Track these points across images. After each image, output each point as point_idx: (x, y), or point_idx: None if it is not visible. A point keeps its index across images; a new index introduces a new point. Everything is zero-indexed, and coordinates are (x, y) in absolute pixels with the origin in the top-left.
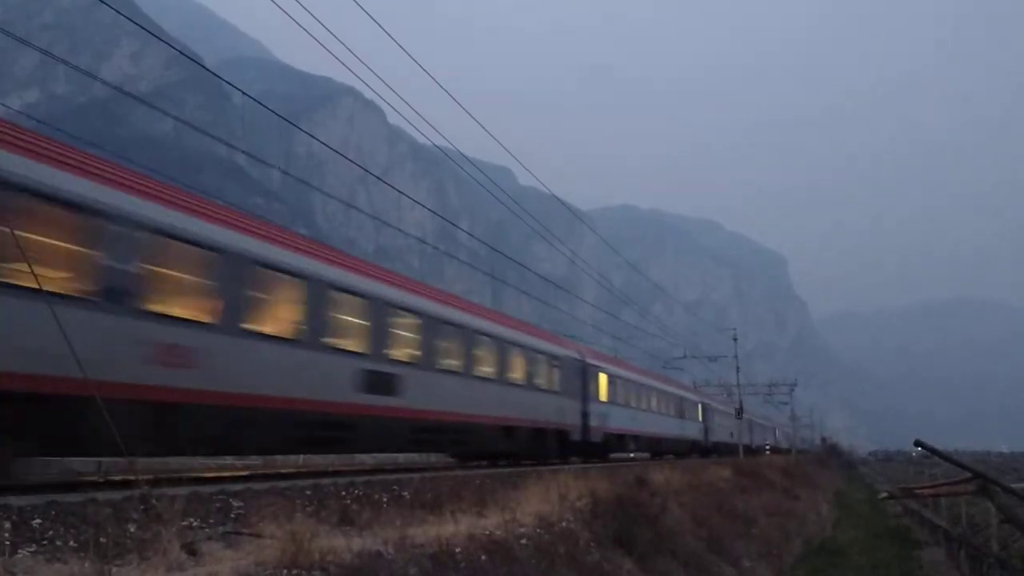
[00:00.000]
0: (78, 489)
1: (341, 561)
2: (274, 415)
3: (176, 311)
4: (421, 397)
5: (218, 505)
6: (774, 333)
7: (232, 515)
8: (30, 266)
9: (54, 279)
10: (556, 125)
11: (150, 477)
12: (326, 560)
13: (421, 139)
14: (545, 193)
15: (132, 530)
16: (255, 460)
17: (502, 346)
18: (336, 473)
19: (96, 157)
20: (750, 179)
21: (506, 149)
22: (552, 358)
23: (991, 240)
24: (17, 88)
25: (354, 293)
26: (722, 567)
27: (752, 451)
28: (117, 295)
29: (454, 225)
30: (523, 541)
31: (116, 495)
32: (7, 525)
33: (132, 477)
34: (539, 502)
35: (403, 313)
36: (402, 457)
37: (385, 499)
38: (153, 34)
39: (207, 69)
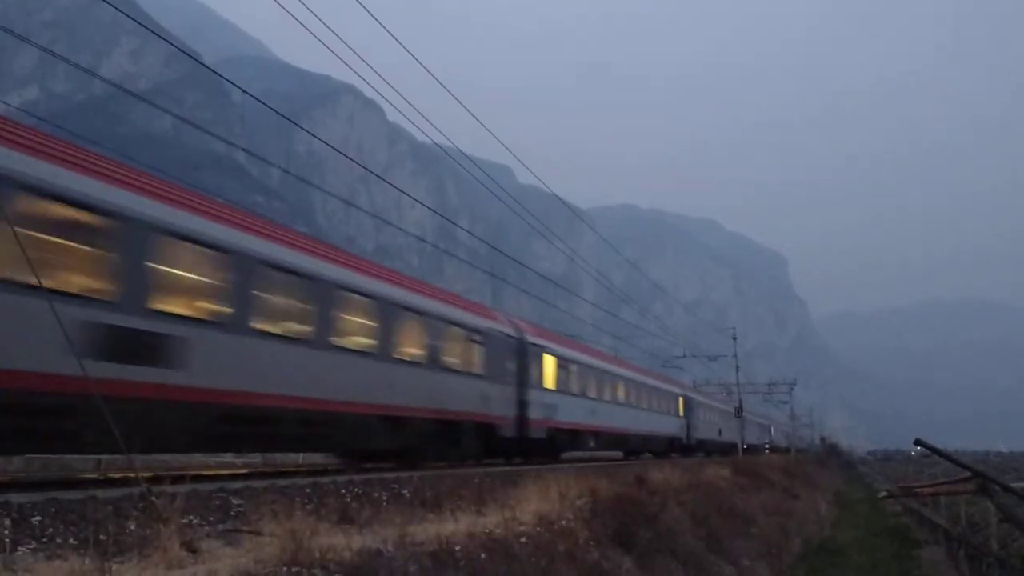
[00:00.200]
0: (78, 487)
1: (341, 559)
2: None
3: None
4: (226, 372)
5: (218, 503)
6: (774, 333)
7: (232, 513)
8: None
9: None
10: (556, 123)
11: (150, 475)
12: (326, 558)
13: (421, 137)
14: (545, 192)
15: (132, 528)
16: (255, 458)
17: (385, 310)
18: (336, 471)
19: None
20: (750, 178)
21: (506, 147)
22: (471, 331)
23: (991, 240)
24: (17, 86)
25: (76, 200)
26: (721, 566)
27: (746, 450)
28: None
29: (454, 223)
30: (523, 539)
31: (116, 492)
32: (7, 522)
33: (132, 475)
34: (539, 500)
35: (184, 244)
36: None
37: (385, 497)
38: (153, 31)
39: (207, 67)
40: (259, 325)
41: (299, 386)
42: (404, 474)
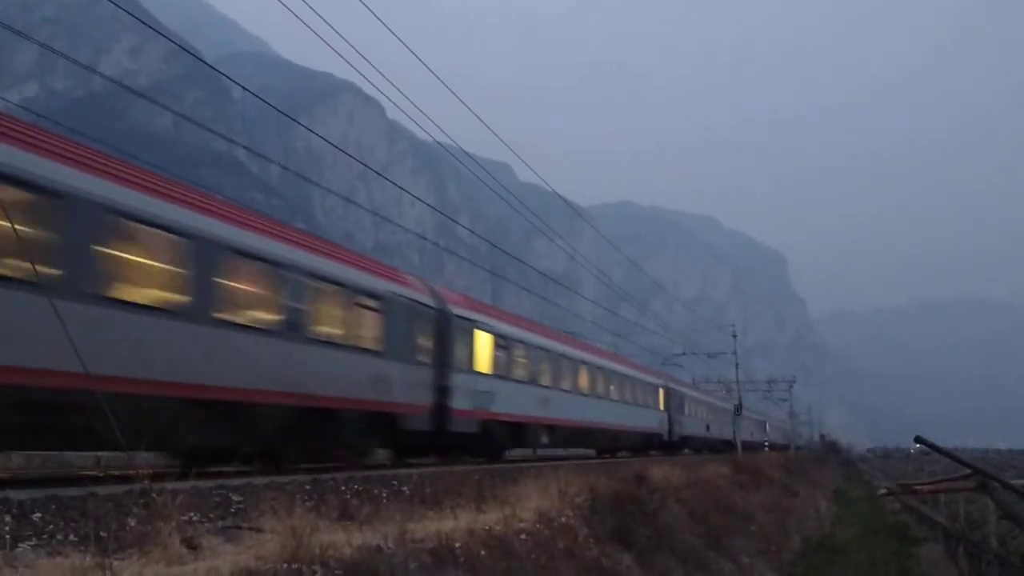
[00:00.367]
0: (78, 483)
1: (341, 556)
2: None
3: None
4: None
5: (218, 499)
6: (773, 330)
7: (232, 510)
8: None
9: None
10: (556, 121)
11: (150, 471)
12: (326, 555)
13: (421, 135)
14: (545, 189)
15: (132, 524)
16: None
17: (206, 253)
18: (336, 468)
19: None
20: (750, 176)
21: (506, 144)
22: (361, 295)
23: (990, 239)
24: (16, 82)
25: None
26: (721, 563)
27: (735, 446)
28: None
29: (454, 221)
30: (522, 536)
31: (116, 489)
32: (7, 519)
33: (132, 471)
34: (539, 498)
35: None
36: None
37: (385, 494)
38: (153, 28)
39: (207, 64)
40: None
41: (49, 357)
42: (404, 471)
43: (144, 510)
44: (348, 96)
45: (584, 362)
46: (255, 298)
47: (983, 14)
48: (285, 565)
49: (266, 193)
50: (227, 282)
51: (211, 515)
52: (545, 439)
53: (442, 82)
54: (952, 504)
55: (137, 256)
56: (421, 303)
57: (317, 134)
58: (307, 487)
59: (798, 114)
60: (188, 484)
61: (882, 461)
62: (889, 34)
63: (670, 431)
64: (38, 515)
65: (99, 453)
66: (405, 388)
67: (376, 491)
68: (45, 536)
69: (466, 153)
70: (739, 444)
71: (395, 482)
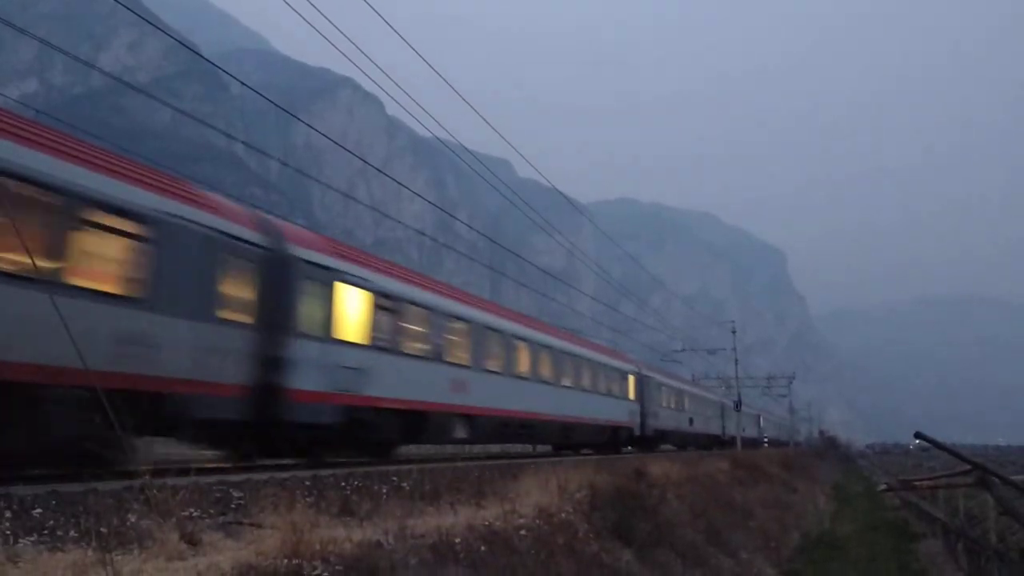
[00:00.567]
0: (79, 479)
1: (342, 551)
2: None
3: None
4: None
5: (218, 495)
6: (772, 328)
7: (232, 505)
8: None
9: None
10: (556, 118)
11: (151, 467)
12: (327, 550)
13: (420, 131)
14: (544, 186)
15: (133, 520)
16: None
17: None
18: (335, 464)
19: None
20: (749, 173)
21: (505, 140)
22: (109, 211)
23: (989, 236)
24: (15, 78)
25: None
26: (720, 559)
27: (729, 442)
28: None
29: (453, 217)
30: (522, 532)
31: (117, 485)
32: (8, 514)
33: (133, 467)
34: (538, 493)
35: None
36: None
37: (385, 490)
38: (152, 24)
39: (206, 59)
40: None
41: None
42: (404, 467)
43: (145, 506)
44: (347, 92)
45: (522, 338)
46: None
47: (983, 18)
48: (286, 560)
49: (265, 189)
50: None
51: (211, 511)
52: (462, 432)
53: (441, 77)
54: (951, 500)
55: None
56: (229, 235)
57: (316, 130)
58: (307, 483)
59: (798, 112)
60: (188, 480)
61: (881, 457)
62: (891, 33)
63: (643, 424)
64: (39, 510)
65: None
66: (198, 358)
67: (376, 487)
68: (46, 531)
69: (466, 149)
70: (739, 440)
71: (395, 478)
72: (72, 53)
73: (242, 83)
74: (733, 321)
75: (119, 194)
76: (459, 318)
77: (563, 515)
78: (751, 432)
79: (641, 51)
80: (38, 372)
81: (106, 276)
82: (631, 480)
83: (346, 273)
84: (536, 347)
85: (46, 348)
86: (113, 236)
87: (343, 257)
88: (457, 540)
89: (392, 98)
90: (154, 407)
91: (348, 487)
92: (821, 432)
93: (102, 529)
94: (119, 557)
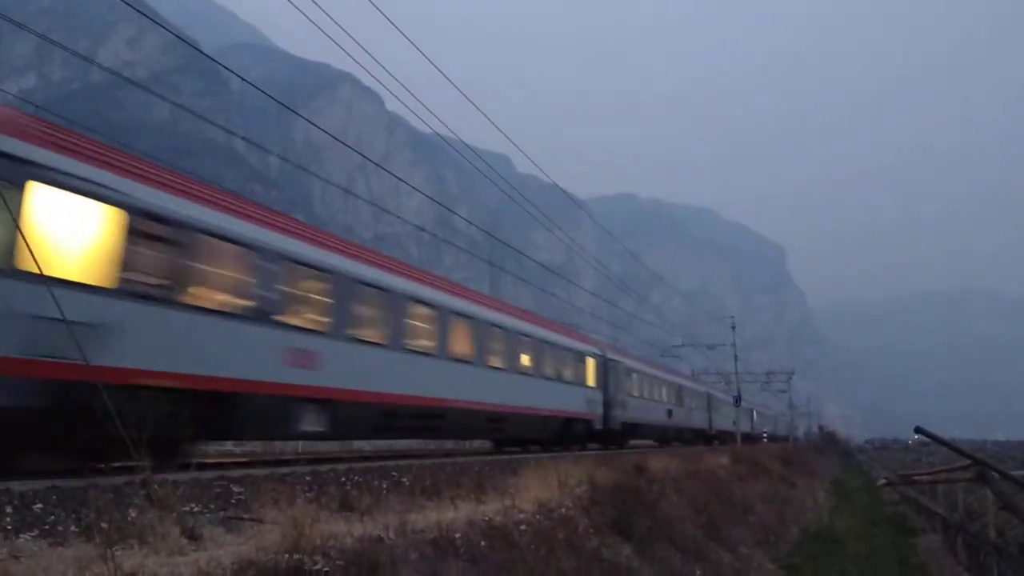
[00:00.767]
0: (79, 474)
1: (342, 546)
2: None
3: None
4: None
5: (218, 491)
6: (772, 323)
7: (233, 500)
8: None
9: None
10: (555, 117)
11: (151, 462)
12: (327, 545)
13: (419, 126)
14: (543, 181)
15: (133, 515)
16: (255, 446)
17: None
18: (335, 460)
19: None
20: (749, 173)
21: (505, 135)
22: None
23: (989, 233)
24: (14, 73)
25: None
26: (720, 553)
27: (715, 436)
28: None
29: (452, 212)
30: (522, 527)
31: (117, 480)
32: (8, 510)
33: (133, 462)
34: (538, 488)
35: None
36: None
37: (385, 485)
38: (151, 19)
39: (205, 54)
40: None
41: None
42: (403, 462)
43: (145, 501)
44: (347, 87)
45: (424, 302)
46: None
47: (983, 20)
48: (286, 555)
49: (265, 184)
50: None
51: (212, 506)
52: (312, 423)
53: (441, 72)
54: (951, 495)
55: None
56: None
57: (316, 125)
58: (307, 478)
59: (797, 110)
60: (189, 475)
61: (880, 452)
62: (891, 33)
63: (607, 416)
64: (39, 506)
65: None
66: None
67: (376, 482)
68: (47, 527)
69: (465, 144)
70: (739, 436)
71: (395, 473)
72: (71, 48)
73: (241, 78)
74: (732, 317)
75: None
76: (307, 265)
77: (563, 510)
78: (733, 426)
79: (641, 51)
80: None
81: None
82: (631, 475)
83: (63, 173)
84: (446, 314)
85: None
86: None
87: (62, 148)
88: (457, 535)
89: (392, 94)
90: None
91: (348, 482)
92: (820, 427)
93: (103, 524)
94: (120, 552)
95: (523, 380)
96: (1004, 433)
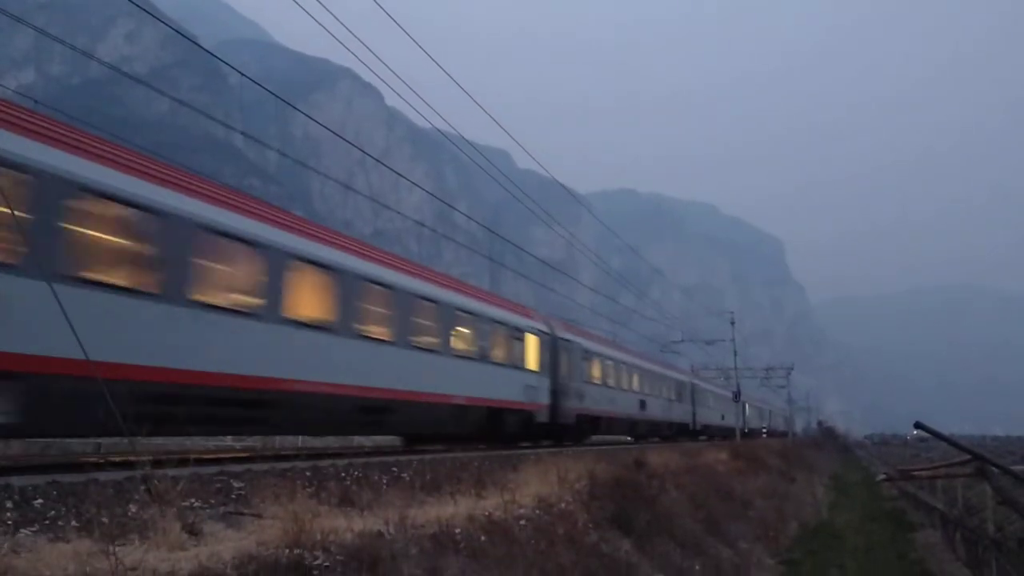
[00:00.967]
0: (79, 469)
1: (343, 541)
2: None
3: None
4: None
5: (218, 486)
6: (771, 318)
7: (233, 496)
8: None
9: None
10: (555, 117)
11: (151, 458)
12: (328, 540)
13: (419, 122)
14: (543, 177)
15: (134, 510)
16: (255, 442)
17: None
18: (335, 455)
19: None
20: (750, 172)
21: (505, 131)
22: None
23: (988, 232)
24: (13, 68)
25: None
26: (719, 548)
27: (703, 431)
28: None
29: (452, 208)
30: (522, 522)
31: (117, 475)
32: (9, 505)
33: (133, 457)
34: (538, 484)
35: None
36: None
37: (385, 480)
38: (149, 13)
39: (204, 49)
40: None
41: None
42: (404, 457)
43: (146, 496)
44: (346, 82)
45: (229, 234)
46: None
47: (982, 24)
48: (287, 550)
49: (264, 180)
50: None
51: (212, 501)
52: (187, 417)
53: (440, 67)
54: (950, 490)
55: None
56: None
57: (315, 120)
58: (307, 473)
59: (797, 108)
60: (189, 470)
61: (879, 447)
62: (890, 40)
63: (555, 407)
64: (39, 501)
65: (100, 440)
66: None
67: (376, 477)
68: (47, 522)
69: (465, 140)
70: (738, 432)
71: (395, 468)
72: (70, 43)
73: (241, 73)
74: (732, 312)
75: None
76: (155, 212)
77: (563, 505)
78: (721, 420)
79: (641, 51)
80: None
81: None
82: (631, 470)
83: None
84: (282, 259)
85: None
86: None
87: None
88: (457, 530)
89: (392, 89)
90: None
91: (348, 477)
92: (820, 423)
93: (103, 519)
94: (121, 547)
95: (421, 357)
96: (1003, 428)
